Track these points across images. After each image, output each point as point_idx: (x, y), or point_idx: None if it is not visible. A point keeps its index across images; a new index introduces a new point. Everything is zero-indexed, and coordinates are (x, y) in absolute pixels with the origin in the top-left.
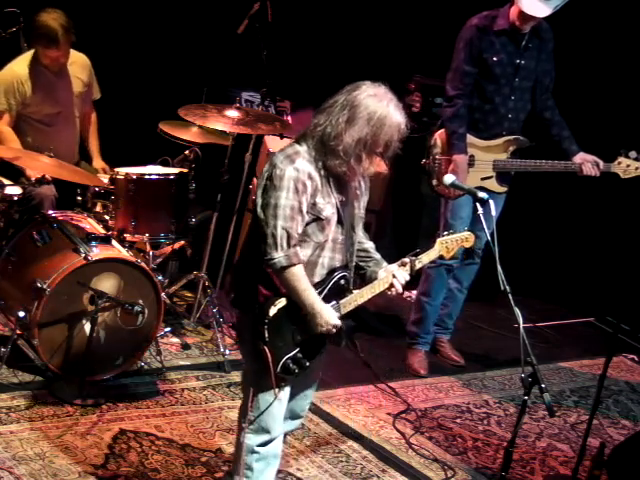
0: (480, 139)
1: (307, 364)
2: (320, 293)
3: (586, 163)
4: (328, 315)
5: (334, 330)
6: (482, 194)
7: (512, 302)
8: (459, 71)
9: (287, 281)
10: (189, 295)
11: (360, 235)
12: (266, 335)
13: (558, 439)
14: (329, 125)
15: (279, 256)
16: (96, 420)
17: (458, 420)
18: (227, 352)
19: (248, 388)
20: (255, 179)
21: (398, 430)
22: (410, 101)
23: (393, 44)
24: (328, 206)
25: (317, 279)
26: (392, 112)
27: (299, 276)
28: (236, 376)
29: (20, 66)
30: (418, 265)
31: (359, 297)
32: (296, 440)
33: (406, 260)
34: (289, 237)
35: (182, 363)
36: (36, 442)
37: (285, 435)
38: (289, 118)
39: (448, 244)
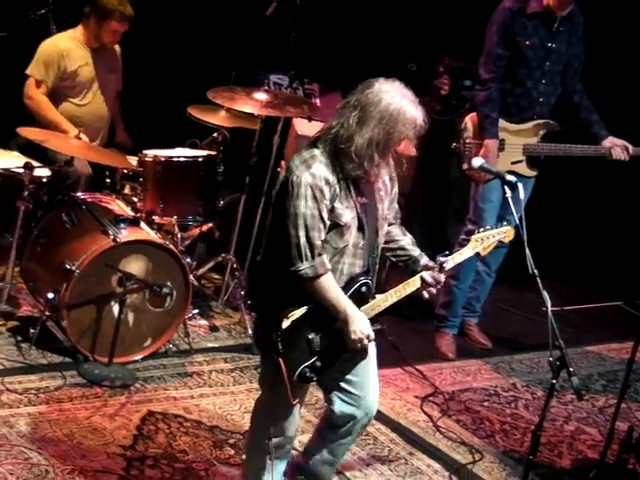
0: (511, 123)
1: (324, 371)
2: None
3: (615, 147)
4: (362, 323)
5: (366, 340)
6: (510, 177)
7: (540, 285)
8: (492, 54)
9: (316, 292)
10: (217, 277)
11: (395, 232)
12: (280, 347)
13: (586, 423)
14: (341, 127)
15: (305, 267)
16: (124, 402)
17: (486, 403)
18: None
19: (265, 387)
20: (283, 162)
21: (426, 413)
22: (439, 84)
23: (422, 27)
24: (347, 211)
25: None
26: (406, 107)
27: (328, 286)
28: None
29: (62, 40)
30: (448, 266)
31: (382, 302)
32: None
33: (434, 262)
34: (312, 246)
35: (210, 345)
36: (65, 423)
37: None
38: (317, 100)
39: (484, 242)
